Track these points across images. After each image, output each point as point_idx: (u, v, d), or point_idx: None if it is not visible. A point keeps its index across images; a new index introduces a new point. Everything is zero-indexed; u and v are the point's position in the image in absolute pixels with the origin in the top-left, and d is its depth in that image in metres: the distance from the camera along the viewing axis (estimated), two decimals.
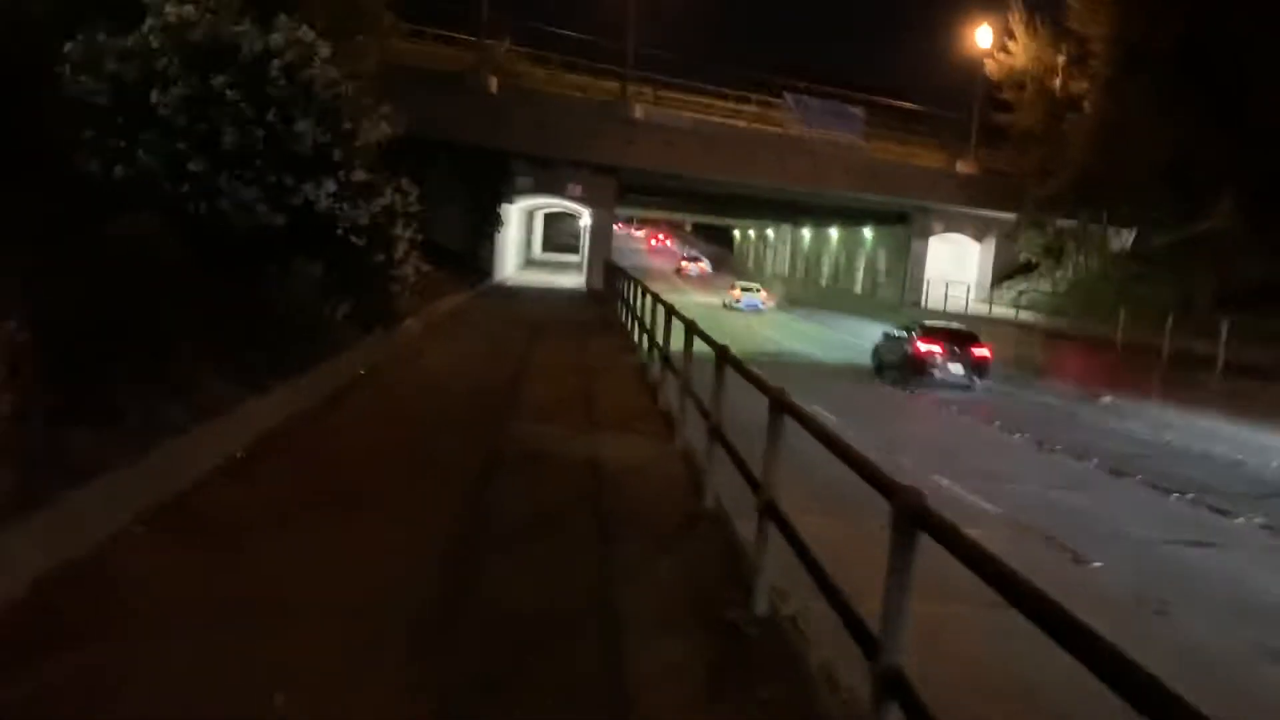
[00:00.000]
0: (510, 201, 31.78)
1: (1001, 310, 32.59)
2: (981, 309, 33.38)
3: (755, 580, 4.60)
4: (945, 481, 11.88)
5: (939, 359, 22.20)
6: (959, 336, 23.21)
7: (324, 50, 11.62)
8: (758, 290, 46.26)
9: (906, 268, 39.43)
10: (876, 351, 24.97)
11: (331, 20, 14.32)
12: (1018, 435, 16.68)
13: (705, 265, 74.67)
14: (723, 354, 6.66)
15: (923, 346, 22.42)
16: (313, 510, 5.66)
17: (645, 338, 14.23)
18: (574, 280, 39.85)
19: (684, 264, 73.56)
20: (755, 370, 6.09)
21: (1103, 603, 8.00)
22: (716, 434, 6.49)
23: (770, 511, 4.53)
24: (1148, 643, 7.10)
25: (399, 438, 7.98)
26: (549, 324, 20.26)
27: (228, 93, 10.45)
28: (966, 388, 22.38)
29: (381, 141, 14.23)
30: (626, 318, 20.07)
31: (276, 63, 10.99)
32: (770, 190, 34.90)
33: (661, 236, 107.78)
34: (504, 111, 26.71)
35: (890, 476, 2.96)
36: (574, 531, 5.74)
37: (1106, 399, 21.66)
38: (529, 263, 54.58)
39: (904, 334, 23.59)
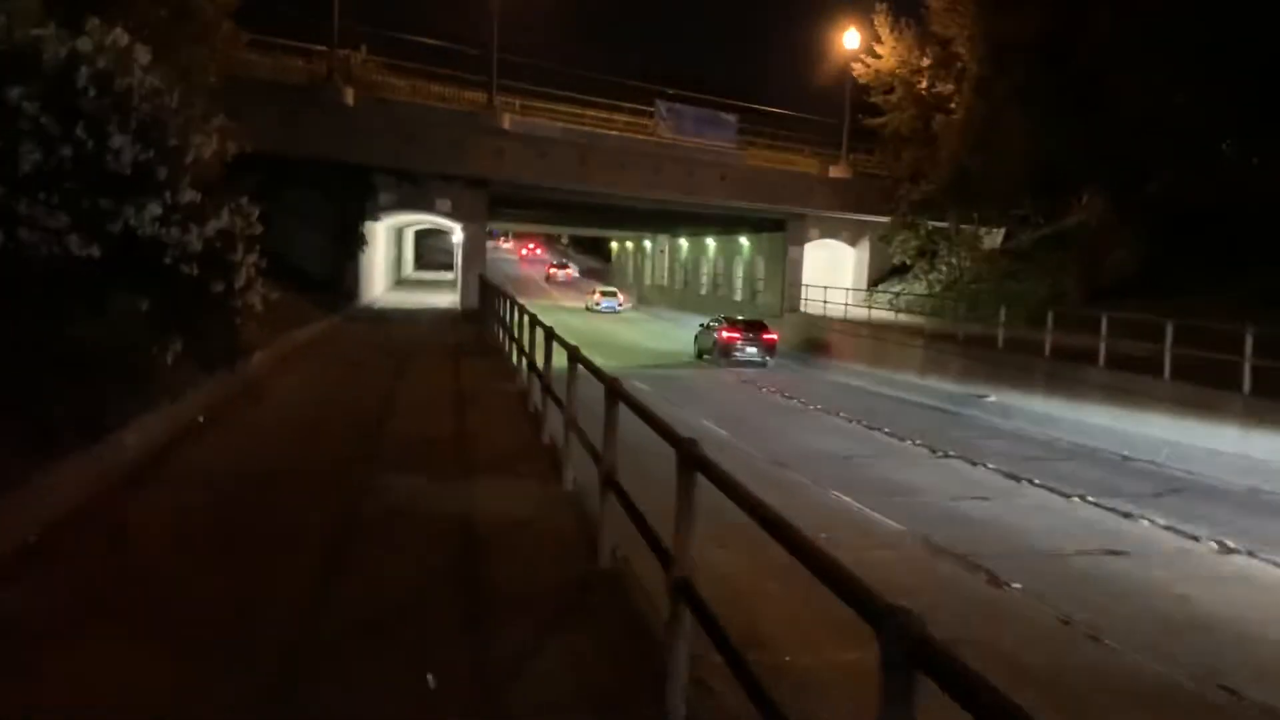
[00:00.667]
0: (375, 219, 30.23)
1: (881, 314, 32.76)
2: (860, 313, 33.52)
3: (670, 674, 3.70)
4: (846, 498, 11.33)
5: (739, 343, 28.36)
6: (753, 325, 29.66)
7: (143, 56, 10.30)
8: (615, 294, 50.37)
9: (783, 274, 39.45)
10: (696, 339, 30.79)
11: (157, 26, 12.92)
12: (908, 441, 16.38)
13: (572, 271, 78.45)
14: (614, 388, 5.77)
15: (725, 334, 28.67)
16: (86, 632, 4.46)
17: (524, 361, 13.26)
18: (448, 299, 38.42)
19: (552, 271, 77.75)
20: (639, 395, 5.27)
21: (1032, 629, 7.47)
22: (610, 484, 5.59)
23: (685, 592, 3.64)
24: (1090, 675, 6.58)
25: (228, 507, 6.80)
26: (419, 349, 19.02)
27: (26, 105, 9.08)
28: (761, 364, 28.33)
29: (224, 159, 12.97)
30: (503, 338, 19.06)
31: (85, 70, 9.65)
32: (646, 201, 34.30)
33: (532, 246, 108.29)
34: (363, 124, 25.27)
35: (875, 593, 2.10)
36: (437, 618, 4.73)
37: (991, 398, 21.71)
38: (400, 282, 52.68)
39: (713, 325, 29.85)
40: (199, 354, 11.00)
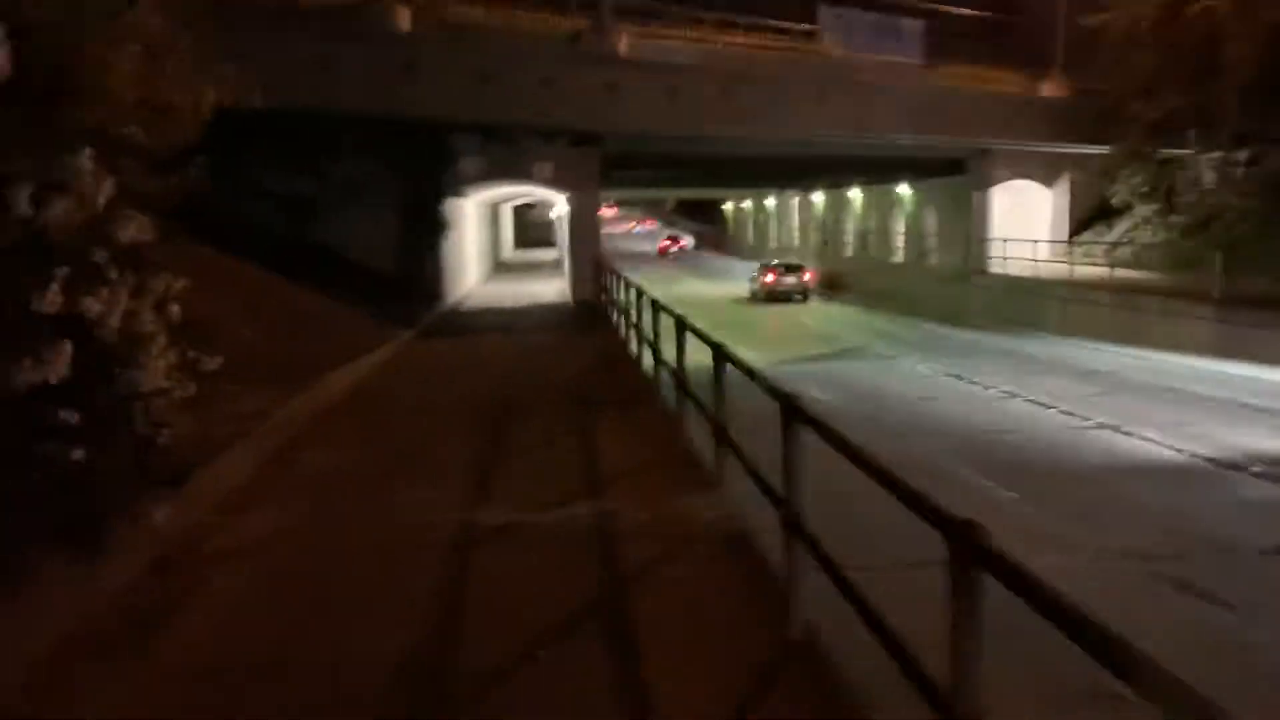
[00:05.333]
0: (459, 194, 23.72)
1: (1126, 272, 24.74)
2: (1090, 271, 25.50)
3: None
4: None
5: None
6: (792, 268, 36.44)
7: None
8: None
9: (966, 227, 31.59)
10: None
11: None
12: None
13: (686, 241, 71.92)
14: None
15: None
16: None
17: (716, 437, 6.39)
18: (555, 287, 31.78)
19: (664, 244, 71.10)
20: None
21: None
22: None
23: None
24: None
25: None
26: (521, 392, 12.23)
27: None
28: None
29: (200, 113, 6.79)
30: (642, 351, 12.34)
31: None
32: (795, 143, 26.78)
33: (643, 219, 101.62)
34: (430, 63, 18.56)
35: None
36: None
37: None
38: (498, 267, 46.40)
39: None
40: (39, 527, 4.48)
